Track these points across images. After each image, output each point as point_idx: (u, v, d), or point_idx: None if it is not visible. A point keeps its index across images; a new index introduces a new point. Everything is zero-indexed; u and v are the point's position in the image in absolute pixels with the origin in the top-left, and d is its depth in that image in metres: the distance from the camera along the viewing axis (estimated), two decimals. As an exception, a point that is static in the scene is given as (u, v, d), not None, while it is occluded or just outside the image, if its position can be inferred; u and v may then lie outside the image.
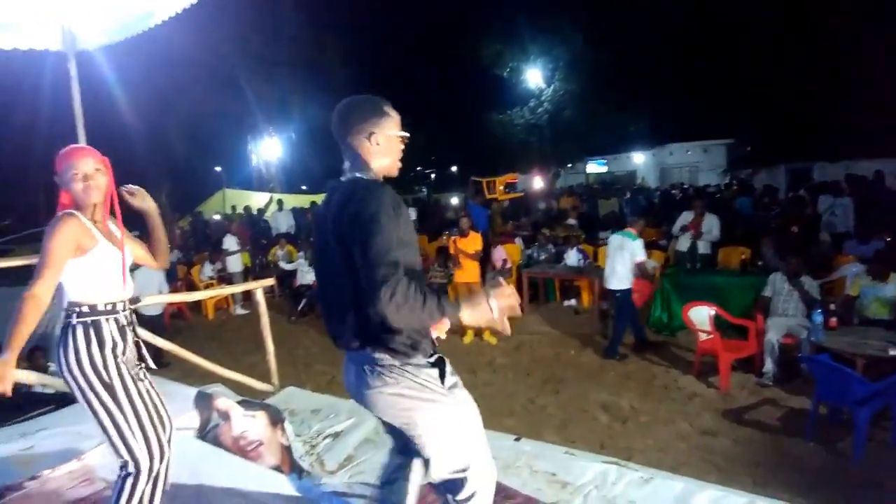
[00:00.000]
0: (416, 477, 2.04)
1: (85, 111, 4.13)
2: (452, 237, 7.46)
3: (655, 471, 3.00)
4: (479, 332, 7.17)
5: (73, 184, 2.06)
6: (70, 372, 1.99)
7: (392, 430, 1.91)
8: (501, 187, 21.09)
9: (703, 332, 5.57)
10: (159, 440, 2.09)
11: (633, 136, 23.25)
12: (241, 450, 3.11)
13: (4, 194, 15.75)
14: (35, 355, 5.06)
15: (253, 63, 19.13)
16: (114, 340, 2.05)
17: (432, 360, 1.76)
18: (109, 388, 1.99)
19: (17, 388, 4.69)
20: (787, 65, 18.90)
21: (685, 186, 20.24)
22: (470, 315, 1.66)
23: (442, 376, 1.75)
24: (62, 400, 4.03)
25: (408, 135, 1.84)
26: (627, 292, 6.20)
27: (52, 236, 1.96)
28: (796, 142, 19.20)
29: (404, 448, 1.95)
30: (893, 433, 4.04)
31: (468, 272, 7.09)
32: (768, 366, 5.26)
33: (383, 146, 1.77)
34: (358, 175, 1.75)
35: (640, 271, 6.17)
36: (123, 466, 2.06)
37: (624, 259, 6.14)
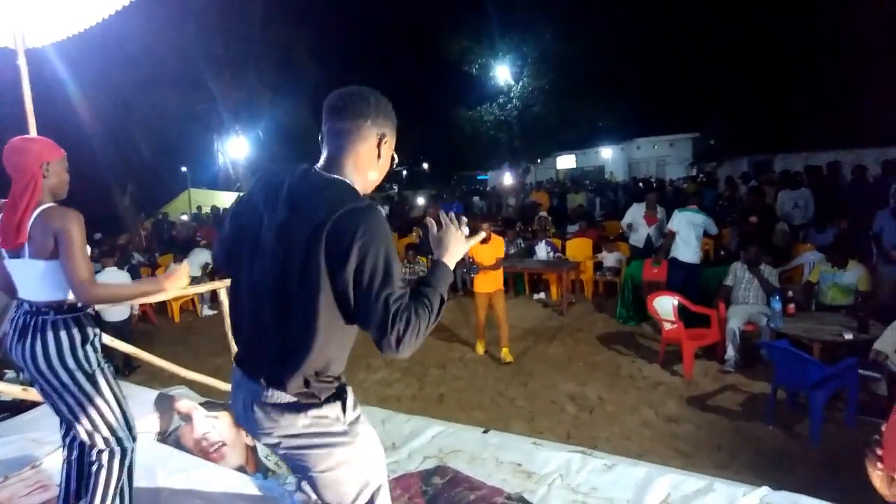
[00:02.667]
0: None
1: (38, 112, 4.01)
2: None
3: (619, 458, 3.05)
4: (488, 349, 6.53)
5: (64, 175, 2.15)
6: (50, 366, 2.02)
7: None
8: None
9: (668, 321, 5.67)
10: (133, 423, 2.20)
11: (602, 130, 23.51)
12: (204, 451, 3.06)
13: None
14: (-11, 363, 4.90)
15: (218, 61, 18.82)
16: (95, 333, 2.13)
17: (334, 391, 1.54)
18: (91, 378, 2.07)
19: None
20: (749, 60, 19.36)
21: (650, 179, 20.56)
22: (456, 255, 1.52)
23: (343, 409, 1.54)
24: (17, 408, 3.91)
25: (397, 159, 1.60)
26: (701, 266, 6.58)
27: (78, 228, 1.99)
28: (758, 135, 19.68)
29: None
30: (847, 415, 4.16)
31: (491, 280, 6.16)
32: (730, 353, 5.38)
33: (384, 159, 1.53)
34: (339, 178, 1.45)
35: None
36: (102, 451, 2.10)
37: (699, 234, 6.53)
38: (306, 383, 1.44)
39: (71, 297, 2.05)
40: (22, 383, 4.57)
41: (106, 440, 2.10)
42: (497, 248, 6.22)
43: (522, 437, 3.45)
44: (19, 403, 3.97)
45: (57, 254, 1.98)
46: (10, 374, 5.18)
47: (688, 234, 6.47)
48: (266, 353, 1.47)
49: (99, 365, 2.10)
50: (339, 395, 1.53)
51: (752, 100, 20.23)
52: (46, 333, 2.01)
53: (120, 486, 2.13)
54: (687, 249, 6.47)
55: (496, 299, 6.16)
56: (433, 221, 1.59)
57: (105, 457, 2.11)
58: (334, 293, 1.36)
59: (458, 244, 1.54)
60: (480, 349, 6.52)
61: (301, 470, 1.55)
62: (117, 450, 2.12)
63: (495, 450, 3.08)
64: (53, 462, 2.87)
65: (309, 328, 1.39)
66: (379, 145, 1.49)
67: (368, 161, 1.49)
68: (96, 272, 7.46)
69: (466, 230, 1.58)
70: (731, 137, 22.24)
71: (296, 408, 1.45)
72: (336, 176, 1.46)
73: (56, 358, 2.01)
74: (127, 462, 2.16)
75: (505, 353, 6.17)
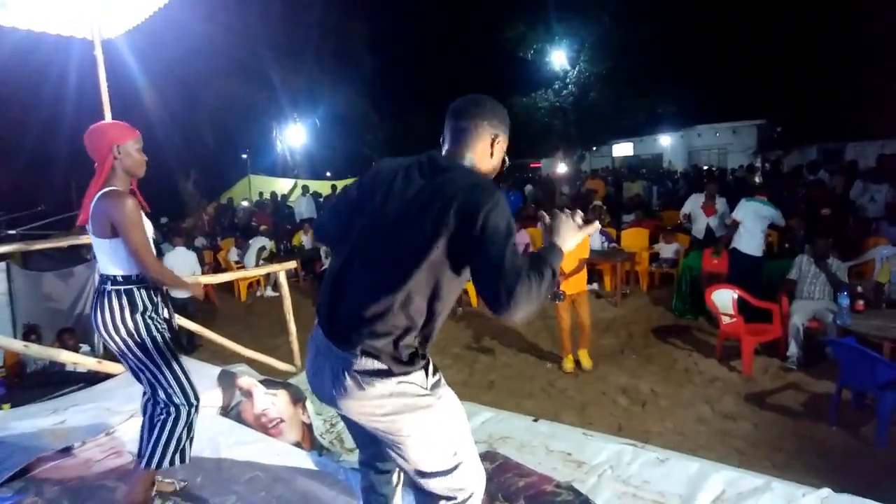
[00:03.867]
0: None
1: (111, 99, 4.23)
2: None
3: (671, 452, 2.99)
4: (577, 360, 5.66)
5: (137, 155, 2.27)
6: (108, 332, 2.21)
7: (363, 437, 1.76)
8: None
9: (726, 315, 5.51)
10: (193, 387, 2.33)
11: (661, 117, 22.72)
12: (263, 426, 3.19)
13: (34, 179, 16.17)
14: (64, 337, 5.24)
15: (278, 51, 19.25)
16: (145, 305, 2.25)
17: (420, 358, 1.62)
18: (142, 346, 2.22)
19: (51, 366, 4.90)
20: (819, 43, 18.35)
21: (711, 168, 19.87)
22: (569, 242, 1.61)
23: (426, 374, 1.63)
24: (93, 378, 4.17)
25: (507, 161, 1.78)
26: (765, 258, 6.28)
27: (131, 212, 2.14)
28: (828, 121, 18.68)
29: (374, 457, 1.86)
30: (920, 418, 3.96)
31: (573, 281, 5.42)
32: (792, 349, 5.18)
33: (496, 157, 1.71)
34: (468, 166, 1.65)
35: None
36: (159, 407, 2.28)
37: (764, 227, 6.23)
38: (396, 349, 1.53)
39: (125, 271, 2.23)
40: (97, 356, 4.87)
41: (164, 401, 2.27)
42: (580, 247, 5.33)
43: (573, 428, 3.43)
44: (94, 375, 4.24)
45: (112, 233, 2.16)
46: (86, 347, 5.52)
47: (753, 224, 6.18)
48: (359, 321, 1.53)
49: (150, 335, 2.23)
50: (423, 363, 1.62)
51: (822, 84, 19.17)
52: (104, 302, 2.21)
53: (179, 443, 2.28)
54: (751, 240, 6.20)
55: (579, 301, 5.53)
56: (545, 215, 1.70)
57: (163, 415, 2.28)
58: (449, 254, 1.48)
59: (569, 230, 1.63)
60: (569, 365, 5.59)
61: (388, 437, 1.59)
62: (173, 411, 2.27)
63: (545, 438, 3.08)
64: (126, 429, 3.06)
65: (404, 289, 1.49)
66: (492, 144, 1.68)
67: (482, 157, 1.68)
68: (167, 252, 7.84)
69: (580, 220, 1.66)
70: (798, 124, 21.19)
71: (385, 374, 1.52)
72: (464, 164, 1.65)
73: (111, 325, 2.20)
74: (182, 423, 2.29)
75: (584, 357, 5.61)
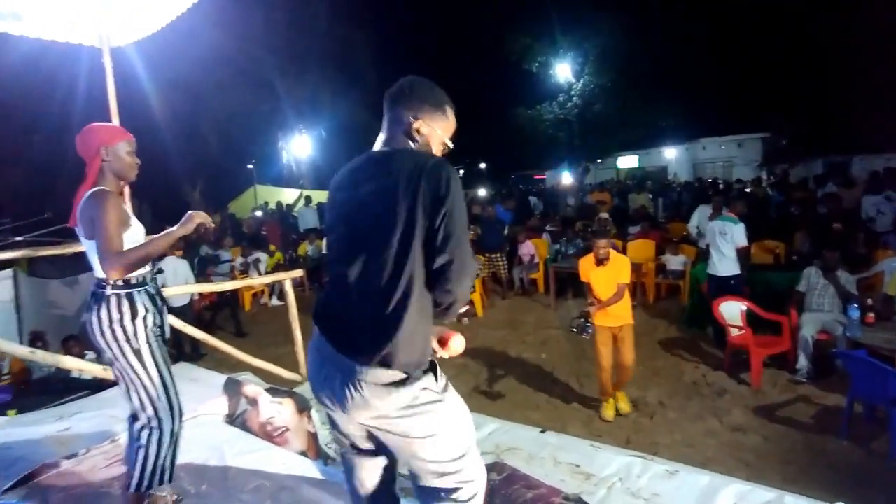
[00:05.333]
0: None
1: (119, 108, 4.24)
2: (583, 260, 4.99)
3: (681, 465, 2.96)
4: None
5: (128, 158, 2.23)
6: (104, 337, 2.14)
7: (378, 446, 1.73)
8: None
9: (735, 327, 5.47)
10: (179, 401, 2.28)
11: (665, 130, 22.76)
12: (268, 435, 3.16)
13: (41, 186, 16.20)
14: (69, 344, 5.24)
15: (284, 61, 19.38)
16: (145, 309, 2.20)
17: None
18: (137, 354, 2.17)
19: (56, 373, 4.89)
20: (825, 55, 18.39)
21: (717, 181, 19.84)
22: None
23: (436, 377, 1.64)
24: (98, 386, 4.16)
25: (451, 145, 1.72)
26: (738, 277, 5.99)
27: (107, 210, 2.05)
28: (834, 134, 18.66)
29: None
30: (933, 432, 3.90)
31: (614, 312, 4.64)
32: (802, 362, 5.13)
33: (422, 139, 1.64)
34: (412, 146, 1.63)
35: (741, 257, 5.97)
36: (144, 427, 2.22)
37: (729, 244, 5.97)
38: (408, 357, 1.51)
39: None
40: (102, 363, 4.87)
41: (148, 417, 2.20)
42: (619, 271, 4.66)
43: (580, 440, 3.39)
44: (100, 382, 4.24)
45: None
46: (91, 354, 5.51)
47: (714, 245, 6.07)
48: (365, 328, 1.51)
49: (147, 341, 2.18)
50: (432, 365, 1.62)
51: (828, 97, 19.17)
52: (101, 306, 2.14)
53: (161, 463, 2.22)
54: (716, 262, 6.06)
55: (622, 337, 4.66)
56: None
57: (145, 435, 2.21)
58: (426, 234, 1.47)
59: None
60: (609, 413, 4.71)
61: (397, 439, 1.58)
62: (156, 429, 2.21)
63: (553, 450, 3.05)
64: (131, 438, 3.04)
65: (398, 288, 1.47)
66: (413, 128, 1.62)
67: (407, 142, 1.63)
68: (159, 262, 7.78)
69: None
70: (804, 137, 21.18)
71: (400, 383, 1.51)
72: (407, 146, 1.63)
73: (108, 330, 2.13)
74: (167, 441, 2.23)
75: (622, 399, 4.82)
